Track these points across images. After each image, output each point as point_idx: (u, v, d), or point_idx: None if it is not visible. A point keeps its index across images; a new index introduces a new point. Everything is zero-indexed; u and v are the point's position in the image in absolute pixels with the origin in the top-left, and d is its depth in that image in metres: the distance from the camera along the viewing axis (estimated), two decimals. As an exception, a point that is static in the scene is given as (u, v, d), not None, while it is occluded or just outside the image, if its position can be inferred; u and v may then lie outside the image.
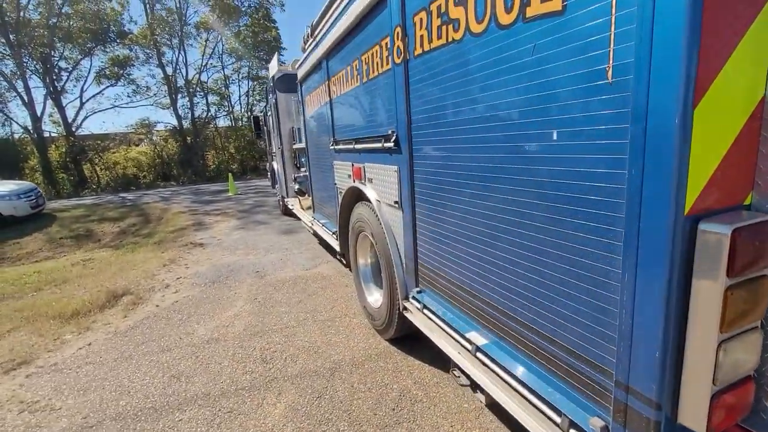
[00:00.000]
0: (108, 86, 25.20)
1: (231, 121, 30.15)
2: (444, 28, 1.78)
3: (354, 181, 3.28)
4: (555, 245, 1.35)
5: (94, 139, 25.44)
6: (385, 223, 2.71)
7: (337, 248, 4.18)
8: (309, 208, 6.28)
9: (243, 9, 27.17)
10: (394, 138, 2.38)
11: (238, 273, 5.37)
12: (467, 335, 1.93)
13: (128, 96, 26.43)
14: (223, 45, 27.93)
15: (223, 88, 29.40)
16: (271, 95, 8.14)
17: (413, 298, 2.49)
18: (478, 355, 1.84)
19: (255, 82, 29.63)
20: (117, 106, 27.95)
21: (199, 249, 6.87)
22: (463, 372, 1.93)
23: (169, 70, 26.14)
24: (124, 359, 3.29)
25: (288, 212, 9.10)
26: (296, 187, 6.26)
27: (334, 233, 4.27)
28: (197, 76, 27.55)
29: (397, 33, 2.19)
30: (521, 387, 1.60)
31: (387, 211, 2.70)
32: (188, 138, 26.76)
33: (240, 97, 31.85)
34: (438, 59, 1.87)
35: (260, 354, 3.21)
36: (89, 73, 24.24)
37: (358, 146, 3.04)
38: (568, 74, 1.21)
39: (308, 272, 5.21)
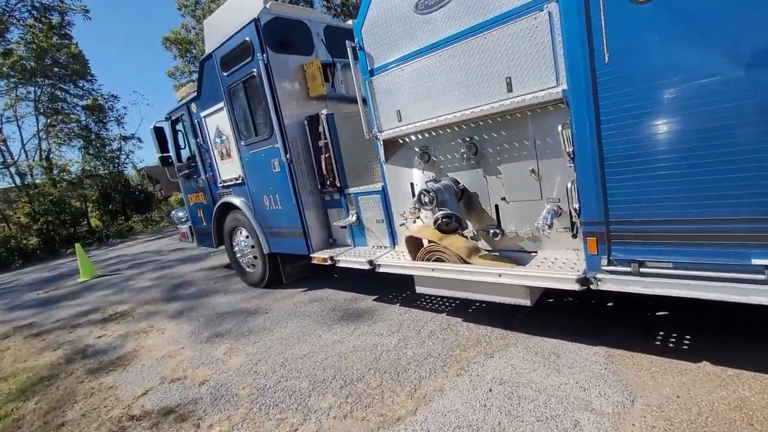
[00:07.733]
0: None
1: (12, 177, 20.48)
2: None
3: None
4: None
5: None
6: None
7: None
8: (498, 260, 2.92)
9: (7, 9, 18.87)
10: None
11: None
12: None
13: None
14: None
15: (-8, 131, 19.81)
16: (242, 63, 4.18)
17: None
18: None
19: (50, 119, 20.97)
20: None
21: None
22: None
23: None
24: None
25: (277, 281, 5.06)
26: (441, 213, 2.82)
27: None
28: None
29: None
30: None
31: None
32: (-67, 209, 16.68)
33: (25, 141, 21.86)
34: None
35: None
36: None
37: None
38: None
39: None
